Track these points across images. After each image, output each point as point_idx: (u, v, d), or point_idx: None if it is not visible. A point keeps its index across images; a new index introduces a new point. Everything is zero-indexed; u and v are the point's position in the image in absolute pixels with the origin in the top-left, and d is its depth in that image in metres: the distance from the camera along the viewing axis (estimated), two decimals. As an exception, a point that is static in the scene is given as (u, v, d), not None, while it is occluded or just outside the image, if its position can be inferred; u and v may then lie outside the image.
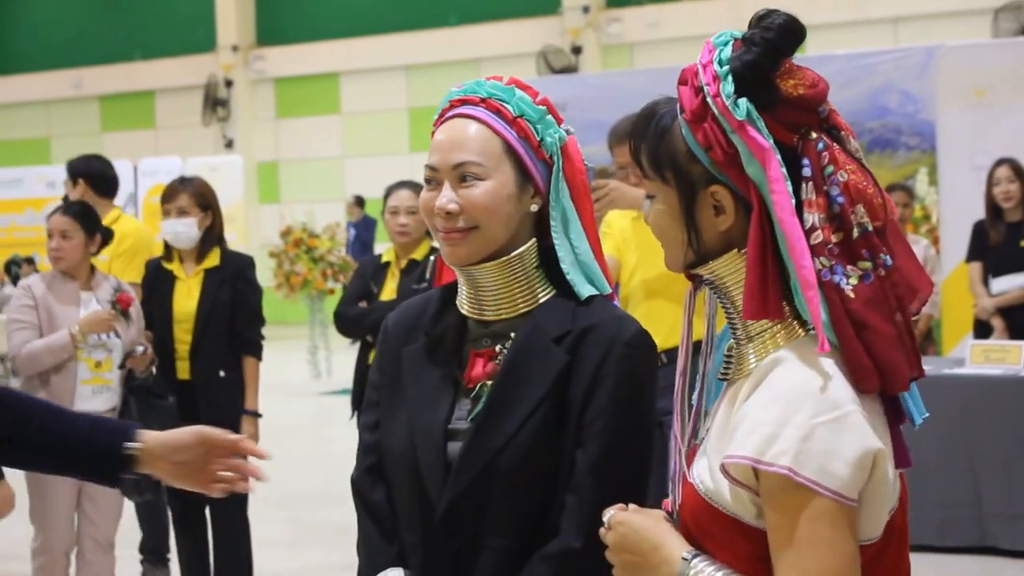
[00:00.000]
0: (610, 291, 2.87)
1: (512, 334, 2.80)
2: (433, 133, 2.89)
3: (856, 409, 2.18)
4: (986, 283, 9.66)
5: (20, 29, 25.88)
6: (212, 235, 6.88)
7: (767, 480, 2.18)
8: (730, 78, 2.27)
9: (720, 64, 2.29)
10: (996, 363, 8.33)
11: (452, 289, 2.91)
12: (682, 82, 2.35)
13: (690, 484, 2.36)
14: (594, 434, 2.70)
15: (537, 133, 2.82)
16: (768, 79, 2.27)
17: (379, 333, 2.98)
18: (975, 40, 14.99)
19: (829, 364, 2.21)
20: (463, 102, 2.84)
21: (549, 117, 2.84)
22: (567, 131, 2.87)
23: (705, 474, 2.32)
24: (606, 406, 2.70)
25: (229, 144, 23.87)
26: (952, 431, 8.04)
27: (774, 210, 2.23)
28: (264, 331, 6.95)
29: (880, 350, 2.22)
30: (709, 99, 2.29)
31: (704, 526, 2.31)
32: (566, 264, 2.81)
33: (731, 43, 2.32)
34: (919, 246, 10.54)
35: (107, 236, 6.61)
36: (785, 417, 2.18)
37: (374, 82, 23.22)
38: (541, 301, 2.81)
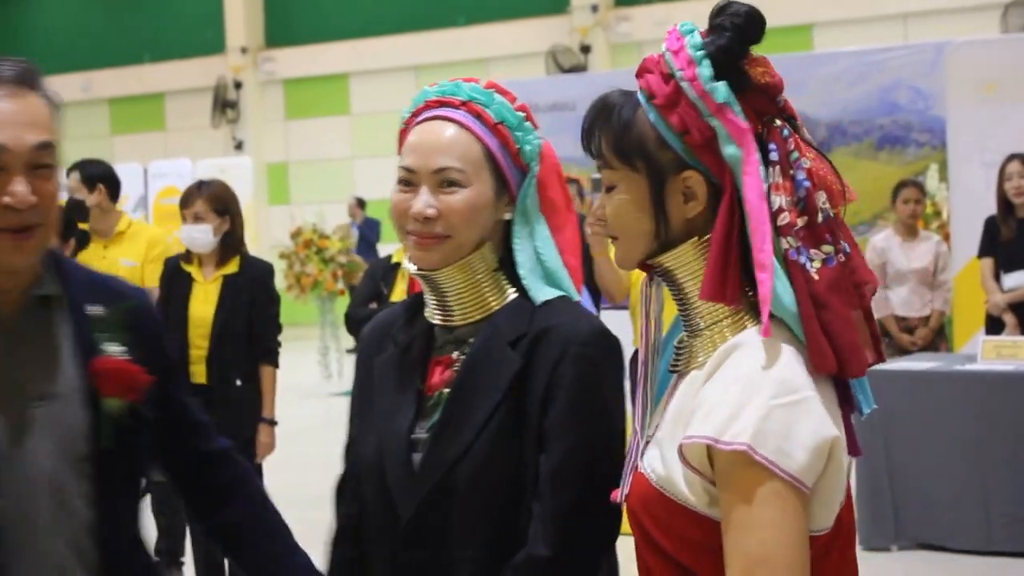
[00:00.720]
0: (578, 298, 2.80)
1: (471, 339, 2.76)
2: (404, 131, 2.84)
3: (814, 396, 2.18)
4: (998, 279, 9.64)
5: (29, 32, 25.90)
6: (231, 240, 6.81)
7: (724, 459, 2.17)
8: (707, 62, 2.28)
9: (694, 49, 2.30)
10: (1008, 359, 8.30)
11: (422, 297, 2.87)
12: (645, 71, 2.35)
13: (640, 474, 2.35)
14: (554, 439, 2.64)
15: (516, 141, 2.77)
16: (739, 65, 2.29)
17: (359, 343, 2.94)
18: (985, 36, 14.96)
19: (787, 350, 2.22)
20: (441, 103, 2.78)
21: (527, 123, 2.79)
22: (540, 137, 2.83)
23: (657, 462, 2.32)
24: (565, 410, 2.64)
25: (239, 146, 23.89)
26: (963, 428, 8.01)
27: (744, 191, 2.25)
28: (276, 333, 6.93)
29: (840, 333, 2.22)
30: (685, 83, 2.29)
31: (654, 514, 2.31)
32: (524, 269, 2.76)
33: (696, 31, 2.34)
34: (931, 242, 10.52)
35: (83, 241, 6.54)
36: (744, 398, 2.18)
37: (383, 82, 23.22)
38: (503, 304, 2.76)
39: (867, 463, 7.76)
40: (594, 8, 20.76)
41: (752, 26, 2.30)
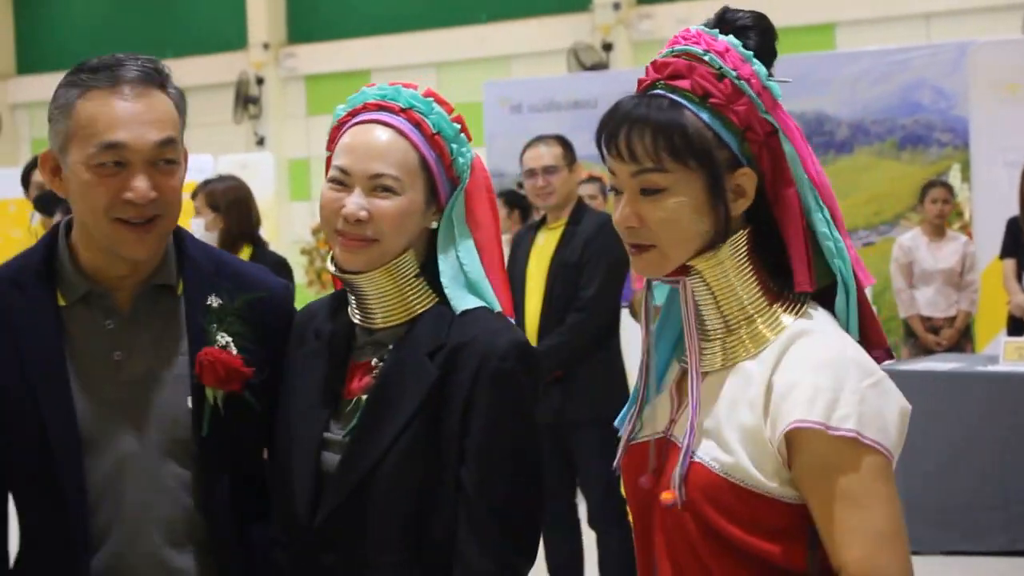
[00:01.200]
0: (499, 309, 2.81)
1: (390, 345, 2.78)
2: (337, 129, 2.83)
3: (885, 375, 2.32)
4: (1020, 280, 9.61)
5: (49, 28, 25.96)
6: (227, 237, 6.85)
7: (830, 443, 2.26)
8: (754, 60, 2.35)
9: (744, 49, 2.37)
10: (1030, 361, 8.29)
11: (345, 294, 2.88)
12: (688, 72, 2.36)
13: (698, 465, 2.37)
14: (476, 461, 2.68)
15: (451, 152, 2.79)
16: (770, 63, 2.40)
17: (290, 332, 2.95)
18: (1007, 36, 14.91)
19: (847, 337, 2.35)
20: (380, 107, 2.80)
21: (463, 136, 2.83)
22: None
23: (717, 451, 2.36)
24: (485, 432, 2.68)
25: (260, 142, 23.91)
26: (984, 429, 8.00)
27: (815, 183, 2.37)
28: (295, 328, 6.93)
29: (873, 323, 2.41)
30: (739, 81, 2.34)
31: (723, 503, 2.34)
32: (446, 277, 2.78)
33: (717, 35, 2.39)
34: (958, 243, 10.52)
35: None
36: (839, 382, 2.27)
37: (405, 79, 22.75)
38: (421, 311, 2.77)
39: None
40: (616, 6, 20.70)
41: (772, 28, 2.42)
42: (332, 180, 2.77)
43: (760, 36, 2.39)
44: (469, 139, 2.86)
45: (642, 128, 2.37)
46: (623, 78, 15.44)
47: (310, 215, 19.17)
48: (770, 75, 2.40)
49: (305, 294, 23.21)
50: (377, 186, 2.73)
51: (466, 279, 2.81)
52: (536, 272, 6.98)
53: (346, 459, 2.72)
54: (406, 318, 2.78)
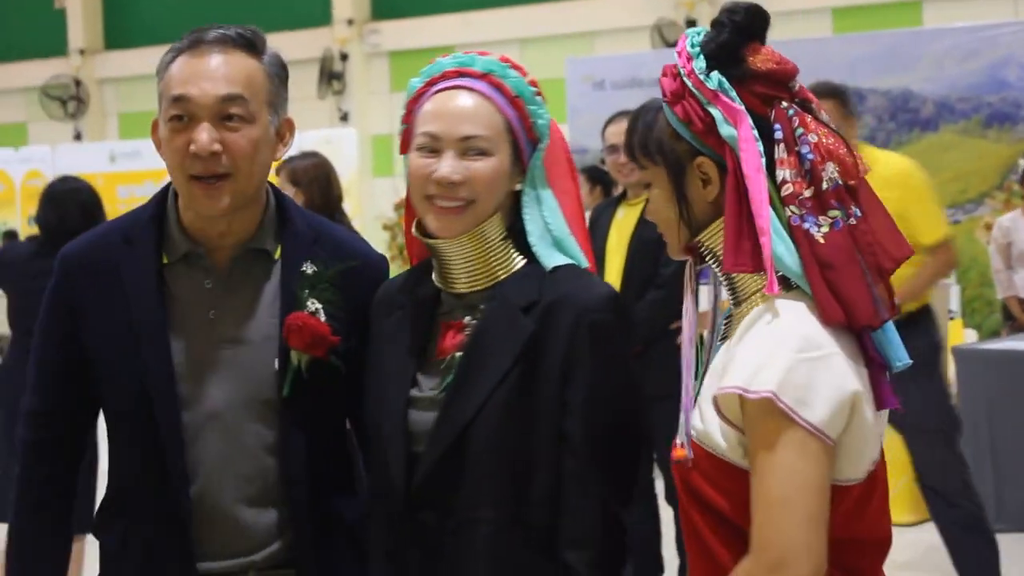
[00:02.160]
0: (586, 265, 2.87)
1: (482, 305, 2.83)
2: (414, 100, 2.89)
3: (837, 353, 2.38)
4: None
5: (136, 4, 26.15)
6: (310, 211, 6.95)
7: (751, 407, 2.37)
8: (701, 56, 2.53)
9: (692, 47, 2.56)
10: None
11: (426, 264, 2.94)
12: (663, 75, 2.60)
13: (690, 431, 2.55)
14: (581, 415, 2.73)
15: (531, 115, 2.84)
16: (738, 56, 2.53)
17: (372, 307, 3.00)
18: (1098, 12, 14.73)
19: (804, 309, 2.43)
20: (459, 74, 2.85)
21: (539, 98, 2.88)
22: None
23: (697, 419, 2.52)
24: (589, 384, 2.73)
25: (344, 117, 24.00)
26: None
27: (742, 166, 2.48)
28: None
29: (845, 287, 2.41)
30: (684, 78, 2.55)
31: (701, 468, 2.51)
32: (534, 237, 2.83)
33: (703, 32, 2.58)
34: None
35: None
36: (772, 352, 2.38)
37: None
38: (511, 272, 2.82)
39: (969, 445, 7.70)
40: (700, -18, 20.64)
41: (751, 21, 2.55)
42: (421, 148, 2.82)
43: (732, 28, 2.54)
44: (545, 102, 2.89)
45: (632, 130, 2.71)
46: (707, 55, 15.40)
47: (393, 191, 19.23)
48: (747, 55, 2.55)
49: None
50: (469, 148, 2.79)
51: (552, 237, 2.86)
52: (615, 248, 6.98)
53: (443, 414, 2.77)
54: (493, 281, 2.83)
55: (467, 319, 2.84)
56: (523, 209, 2.87)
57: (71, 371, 3.02)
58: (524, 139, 2.85)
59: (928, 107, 12.31)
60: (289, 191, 6.87)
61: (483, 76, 2.84)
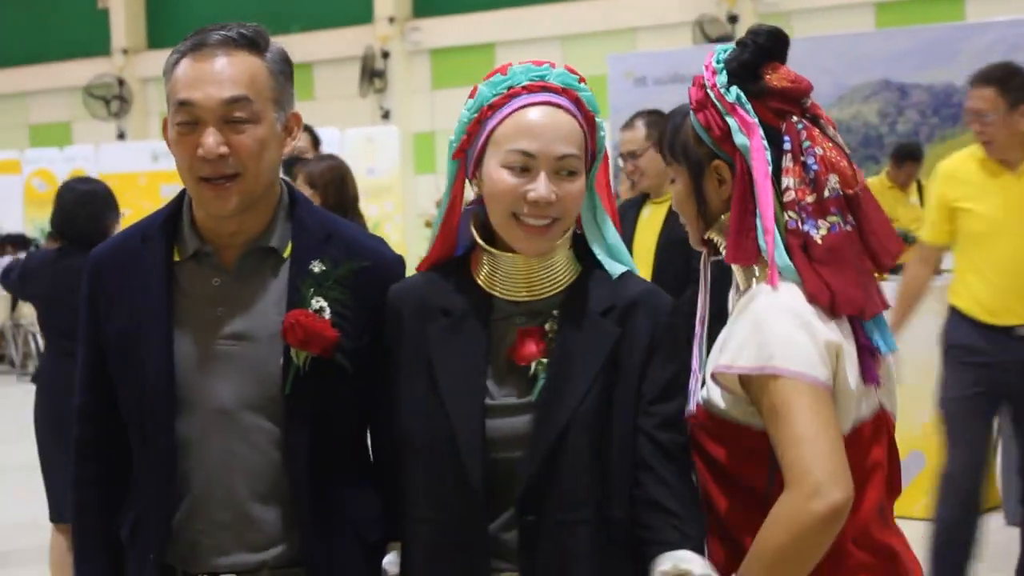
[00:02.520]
0: (638, 271, 3.00)
1: (552, 311, 2.86)
2: (487, 110, 2.86)
3: (818, 320, 2.75)
4: None
5: (178, 3, 26.25)
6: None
7: (754, 380, 2.74)
8: (724, 72, 2.87)
9: (717, 63, 2.89)
10: None
11: (458, 264, 2.95)
12: (692, 84, 2.93)
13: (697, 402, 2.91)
14: (661, 412, 2.85)
15: (599, 128, 2.90)
16: (757, 74, 2.87)
17: (386, 309, 2.99)
18: None
19: (796, 291, 2.77)
20: (543, 88, 2.85)
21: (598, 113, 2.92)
22: None
23: (703, 387, 2.90)
24: (666, 380, 2.85)
25: (386, 115, 24.04)
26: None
27: (752, 172, 2.81)
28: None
29: (836, 279, 2.77)
30: (708, 89, 2.88)
31: (709, 428, 2.87)
32: (596, 245, 2.92)
33: (730, 50, 2.91)
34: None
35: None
36: (757, 326, 2.75)
37: (529, 52, 23.13)
38: (573, 280, 2.87)
39: (1016, 439, 7.66)
40: (742, -23, 20.59)
41: (772, 43, 2.90)
42: (511, 165, 2.81)
43: (754, 49, 2.88)
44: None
45: (662, 132, 3.07)
46: (748, 50, 15.36)
47: (435, 188, 19.27)
48: (766, 74, 2.88)
49: (429, 267, 23.24)
50: (562, 168, 2.80)
51: (607, 244, 2.95)
52: (642, 246, 6.95)
53: (540, 422, 2.79)
54: (554, 290, 2.85)
55: (547, 326, 2.85)
56: (584, 221, 2.93)
57: (103, 368, 3.08)
58: (590, 153, 2.88)
59: (972, 102, 12.24)
60: (307, 193, 6.96)
61: (563, 91, 2.85)
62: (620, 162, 7.21)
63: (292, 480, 2.96)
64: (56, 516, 6.77)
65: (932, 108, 12.25)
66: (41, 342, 16.51)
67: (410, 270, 3.13)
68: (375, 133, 19.90)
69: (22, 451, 7.78)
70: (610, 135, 6.79)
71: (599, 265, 2.90)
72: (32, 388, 7.08)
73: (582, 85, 2.87)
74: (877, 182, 10.93)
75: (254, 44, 2.97)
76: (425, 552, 2.90)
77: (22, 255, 15.45)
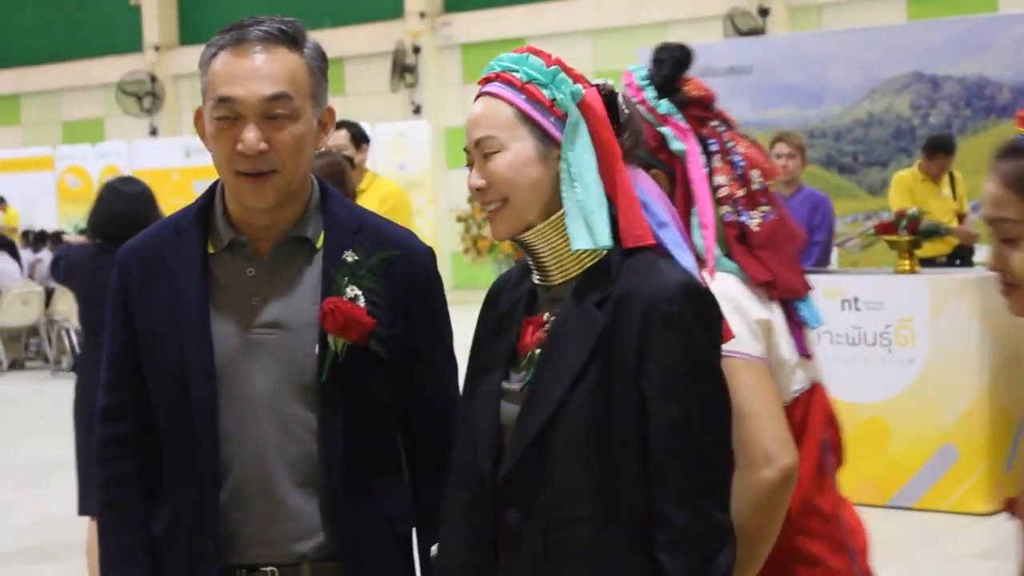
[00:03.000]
0: (606, 243, 2.75)
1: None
2: None
3: (750, 301, 2.99)
4: None
5: (213, 0, 26.35)
6: None
7: None
8: (651, 87, 3.10)
9: (640, 80, 3.12)
10: None
11: None
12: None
13: None
14: (659, 413, 2.68)
15: (549, 93, 2.83)
16: (676, 87, 3.10)
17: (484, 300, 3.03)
18: None
19: (731, 279, 2.99)
20: (485, 82, 2.89)
21: (562, 75, 2.84)
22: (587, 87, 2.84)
23: None
24: (665, 381, 2.68)
25: (417, 110, 24.09)
26: None
27: (689, 174, 3.01)
28: (451, 295, 7.02)
29: (776, 263, 3.03)
30: (636, 105, 3.00)
31: None
32: (568, 217, 2.78)
33: (644, 68, 3.14)
34: None
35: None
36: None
37: (560, 47, 23.15)
38: (591, 264, 2.80)
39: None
40: (773, -30, 20.56)
41: (686, 58, 3.13)
42: (467, 164, 2.88)
43: (672, 63, 3.10)
44: (577, 79, 2.88)
45: None
46: (779, 44, 15.30)
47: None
48: (684, 88, 3.12)
49: (461, 261, 23.29)
50: (483, 151, 2.81)
51: (582, 211, 2.80)
52: None
53: (524, 409, 2.77)
54: (580, 271, 2.83)
55: (547, 315, 2.85)
56: (561, 186, 2.82)
57: (136, 364, 3.08)
58: (547, 119, 2.85)
59: (1004, 94, 12.19)
60: None
61: (497, 76, 2.87)
62: None
63: (328, 469, 2.97)
64: (87, 509, 6.80)
65: (964, 100, 12.22)
66: (75, 338, 16.62)
67: (440, 263, 3.15)
68: (406, 128, 19.96)
69: (64, 445, 7.83)
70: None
71: (623, 253, 2.86)
72: (66, 383, 7.11)
73: (528, 60, 2.84)
74: (909, 175, 10.89)
75: (293, 40, 2.98)
76: (448, 532, 2.92)
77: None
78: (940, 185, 10.90)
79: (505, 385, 2.83)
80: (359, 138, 8.10)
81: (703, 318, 2.73)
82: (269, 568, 2.99)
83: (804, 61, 12.44)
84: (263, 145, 2.89)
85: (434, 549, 3.00)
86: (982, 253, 6.92)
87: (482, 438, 2.82)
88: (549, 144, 2.81)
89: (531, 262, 2.89)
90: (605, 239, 2.76)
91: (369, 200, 8.08)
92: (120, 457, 3.10)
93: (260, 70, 2.92)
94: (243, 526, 2.99)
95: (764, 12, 20.36)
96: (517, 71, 2.85)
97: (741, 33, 19.29)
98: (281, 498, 2.98)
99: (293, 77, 2.93)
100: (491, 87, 2.85)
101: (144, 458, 3.08)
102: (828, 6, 20.33)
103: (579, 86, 2.84)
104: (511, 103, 2.82)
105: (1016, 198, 2.43)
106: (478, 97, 2.86)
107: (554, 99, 2.82)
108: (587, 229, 2.79)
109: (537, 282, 2.88)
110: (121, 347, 3.09)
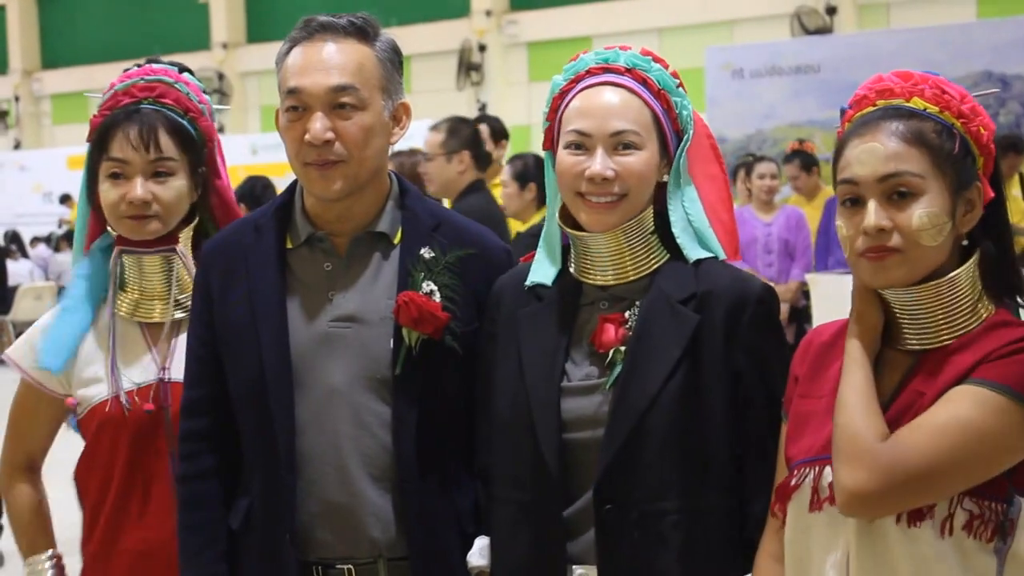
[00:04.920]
0: (724, 256, 2.92)
1: (634, 299, 2.87)
2: (559, 97, 2.92)
3: None
4: None
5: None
6: None
7: None
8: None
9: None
10: None
11: (563, 252, 2.98)
12: None
13: None
14: (751, 402, 2.80)
15: (676, 106, 2.88)
16: None
17: (489, 297, 3.04)
18: None
19: None
20: (605, 70, 2.87)
21: (681, 89, 2.91)
22: None
23: None
24: (757, 373, 2.79)
25: (482, 108, 24.09)
26: None
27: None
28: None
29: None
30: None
31: None
32: (677, 228, 2.88)
33: None
34: None
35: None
36: None
37: (627, 45, 23.05)
38: (658, 266, 2.85)
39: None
40: (842, -32, 20.43)
41: None
42: (570, 145, 2.85)
43: None
44: (685, 92, 2.91)
45: None
46: (847, 42, 15.22)
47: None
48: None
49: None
50: (620, 143, 2.82)
51: (693, 229, 2.91)
52: None
53: (617, 406, 2.79)
54: (640, 274, 2.85)
55: (628, 313, 2.86)
56: (668, 202, 2.90)
57: (216, 360, 3.12)
58: (670, 132, 2.88)
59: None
60: None
61: (628, 71, 2.87)
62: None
63: (400, 462, 2.98)
64: None
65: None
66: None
67: (508, 262, 3.16)
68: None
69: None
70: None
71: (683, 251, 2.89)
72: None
73: (655, 65, 2.89)
74: (978, 175, 10.82)
75: (363, 32, 3.02)
76: (506, 534, 2.91)
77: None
78: (1010, 185, 10.81)
79: (565, 384, 2.83)
80: (498, 134, 8.11)
81: (777, 319, 2.89)
82: (346, 567, 3.00)
83: (871, 60, 12.37)
84: (329, 134, 2.94)
85: (477, 551, 3.00)
86: None
87: (544, 435, 2.82)
88: (664, 155, 2.87)
89: (583, 260, 2.90)
90: (722, 253, 2.91)
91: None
92: (201, 452, 3.14)
93: (327, 61, 2.96)
94: (318, 518, 3.02)
95: (832, 10, 20.23)
96: (650, 74, 2.87)
97: (808, 32, 19.18)
98: (356, 490, 3.01)
99: (360, 68, 2.97)
100: (626, 81, 2.87)
101: (224, 453, 3.12)
102: (896, 4, 20.18)
103: (690, 103, 2.91)
104: (651, 107, 2.85)
105: (917, 153, 2.46)
106: (604, 85, 2.85)
107: (678, 113, 2.88)
108: (698, 241, 2.90)
109: (586, 280, 2.90)
110: (202, 343, 3.14)
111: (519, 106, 24.17)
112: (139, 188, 3.29)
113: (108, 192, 3.33)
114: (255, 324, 3.04)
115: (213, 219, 3.47)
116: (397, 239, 3.08)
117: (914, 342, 2.54)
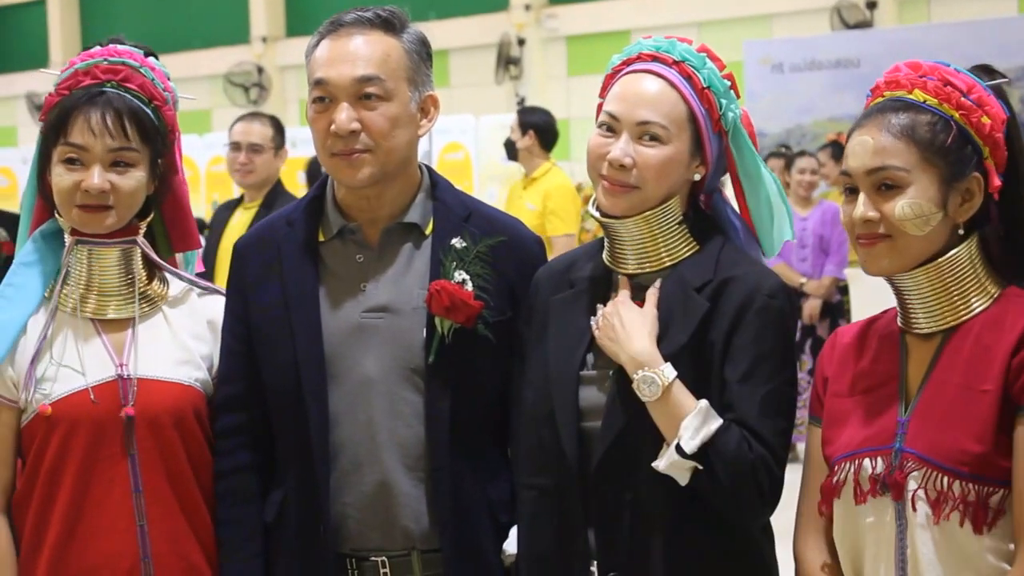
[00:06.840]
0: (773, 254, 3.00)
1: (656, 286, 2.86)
2: (611, 76, 2.92)
3: None
4: None
5: (318, -9, 26.49)
6: None
7: None
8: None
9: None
10: None
11: (602, 241, 2.99)
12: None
13: None
14: (744, 395, 2.77)
15: (720, 107, 2.84)
16: None
17: (530, 286, 3.06)
18: None
19: None
20: (654, 58, 2.88)
21: (732, 92, 2.90)
22: None
23: None
24: (752, 363, 2.77)
25: (521, 102, 24.05)
26: None
27: None
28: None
29: None
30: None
31: None
32: (763, 226, 2.98)
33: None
34: None
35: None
36: None
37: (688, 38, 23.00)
38: (684, 257, 2.83)
39: None
40: (882, -38, 20.34)
41: None
42: (601, 125, 2.87)
43: None
44: (737, 96, 2.90)
45: None
46: (887, 37, 15.17)
47: (569, 175, 19.24)
48: None
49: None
50: (644, 133, 2.82)
51: (759, 223, 3.00)
52: (227, 252, 6.99)
53: (617, 393, 2.79)
54: (660, 266, 2.85)
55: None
56: (747, 199, 2.96)
57: (250, 355, 3.14)
58: (709, 131, 2.86)
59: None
60: (303, 180, 7.15)
61: (676, 64, 2.87)
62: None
63: (434, 451, 2.99)
64: None
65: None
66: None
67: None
68: (510, 120, 19.92)
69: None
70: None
71: (720, 242, 2.90)
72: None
73: (707, 63, 2.89)
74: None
75: (389, 24, 3.04)
76: (529, 518, 2.93)
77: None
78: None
79: (583, 372, 2.85)
80: (526, 125, 8.19)
81: (791, 319, 2.88)
82: (380, 559, 3.01)
83: (912, 54, 12.26)
84: (355, 125, 2.96)
85: (511, 541, 3.01)
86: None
87: (564, 422, 2.84)
88: (697, 153, 2.86)
89: (611, 247, 2.91)
90: (775, 248, 3.01)
91: (538, 192, 8.11)
92: (237, 447, 3.16)
93: (353, 52, 3.00)
94: (353, 509, 3.04)
95: (872, 5, 20.11)
96: (699, 71, 2.87)
97: (848, 26, 19.08)
98: (390, 480, 3.02)
99: (386, 59, 3.00)
100: (669, 74, 2.87)
101: (259, 447, 3.13)
102: (937, -2, 20.09)
103: (740, 107, 2.93)
104: (688, 102, 2.84)
105: (905, 147, 2.55)
106: (647, 72, 2.85)
107: (723, 115, 2.87)
108: (770, 239, 2.99)
109: (614, 267, 2.91)
110: (236, 338, 3.16)
111: (558, 100, 24.12)
112: (96, 177, 3.10)
113: (62, 177, 3.14)
114: (288, 316, 3.06)
115: (161, 216, 3.32)
116: (429, 229, 3.11)
117: (924, 325, 2.60)
